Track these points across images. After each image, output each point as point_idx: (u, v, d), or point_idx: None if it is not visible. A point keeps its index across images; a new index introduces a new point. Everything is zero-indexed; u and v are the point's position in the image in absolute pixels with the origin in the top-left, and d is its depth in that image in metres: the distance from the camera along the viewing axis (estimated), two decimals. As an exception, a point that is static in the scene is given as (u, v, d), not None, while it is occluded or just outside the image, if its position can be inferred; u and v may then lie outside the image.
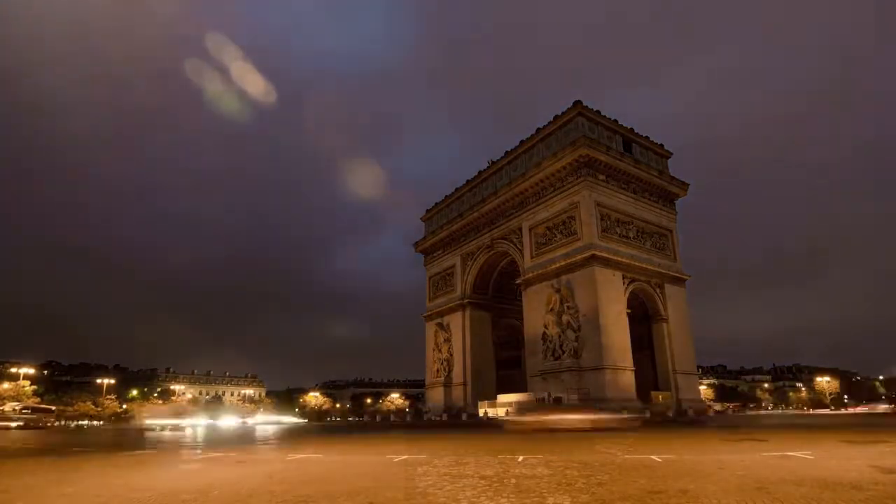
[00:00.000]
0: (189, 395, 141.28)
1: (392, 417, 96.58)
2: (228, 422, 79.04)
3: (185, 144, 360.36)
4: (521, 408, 54.95)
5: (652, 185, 67.79)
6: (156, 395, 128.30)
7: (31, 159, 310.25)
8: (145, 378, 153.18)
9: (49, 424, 61.10)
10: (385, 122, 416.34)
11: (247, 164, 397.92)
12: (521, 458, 12.96)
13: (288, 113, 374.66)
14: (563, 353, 58.85)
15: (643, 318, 64.33)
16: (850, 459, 11.82)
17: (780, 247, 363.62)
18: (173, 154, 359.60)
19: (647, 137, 70.70)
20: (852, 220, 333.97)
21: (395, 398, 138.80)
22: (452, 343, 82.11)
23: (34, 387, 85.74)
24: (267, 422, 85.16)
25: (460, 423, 57.82)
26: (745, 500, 7.06)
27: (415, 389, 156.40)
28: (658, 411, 53.07)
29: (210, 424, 69.67)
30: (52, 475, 12.47)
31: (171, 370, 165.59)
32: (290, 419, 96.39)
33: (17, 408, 58.14)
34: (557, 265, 61.50)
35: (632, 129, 69.00)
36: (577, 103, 64.59)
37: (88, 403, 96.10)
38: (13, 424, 50.69)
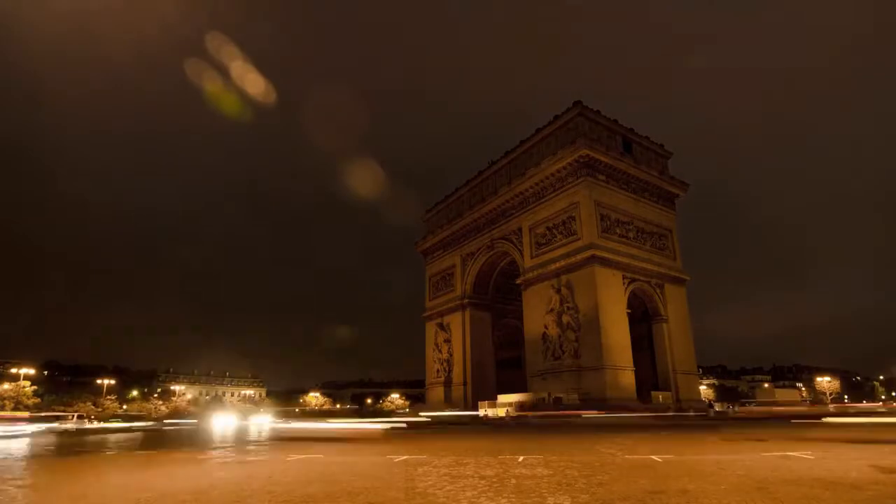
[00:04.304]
0: (189, 396, 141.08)
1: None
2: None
3: (185, 143, 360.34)
4: (522, 407, 55.04)
5: (652, 184, 67.74)
6: (156, 395, 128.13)
7: (31, 158, 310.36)
8: (145, 378, 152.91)
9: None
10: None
11: (248, 163, 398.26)
12: (521, 458, 12.97)
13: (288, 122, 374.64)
14: (564, 353, 58.81)
15: (643, 318, 64.28)
16: (850, 459, 11.82)
17: (779, 247, 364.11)
18: (174, 153, 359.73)
19: (646, 137, 70.64)
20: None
21: (396, 398, 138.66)
22: (452, 343, 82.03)
23: (34, 387, 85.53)
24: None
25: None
26: (745, 500, 7.07)
27: (415, 389, 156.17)
28: (658, 411, 53.05)
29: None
30: (56, 475, 12.49)
31: (172, 370, 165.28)
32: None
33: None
34: (557, 265, 61.44)
35: (632, 129, 68.96)
36: (577, 103, 64.54)
37: (88, 404, 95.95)
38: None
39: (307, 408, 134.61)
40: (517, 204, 71.05)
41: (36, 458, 19.87)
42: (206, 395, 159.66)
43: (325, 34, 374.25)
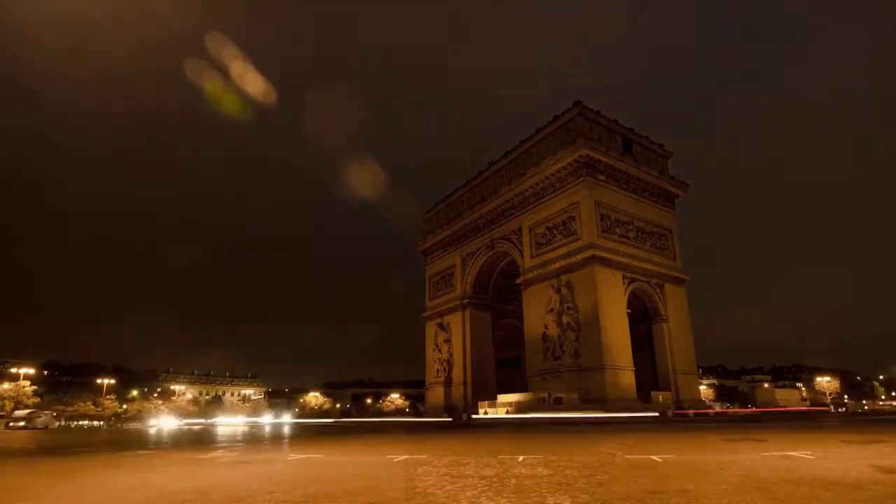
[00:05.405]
0: (189, 396, 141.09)
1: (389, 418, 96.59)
2: None
3: (184, 143, 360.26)
4: (522, 408, 55.02)
5: (652, 184, 67.80)
6: (156, 395, 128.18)
7: (31, 158, 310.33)
8: (145, 378, 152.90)
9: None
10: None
11: (247, 162, 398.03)
12: (521, 458, 12.96)
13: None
14: (564, 353, 58.85)
15: (643, 318, 64.33)
16: (850, 459, 11.81)
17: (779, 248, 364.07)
18: (173, 152, 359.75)
19: (647, 137, 70.71)
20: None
21: (395, 398, 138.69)
22: (452, 343, 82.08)
23: (34, 387, 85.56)
24: None
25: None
26: (745, 500, 7.06)
27: (415, 389, 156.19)
28: (658, 411, 53.02)
29: None
30: (54, 475, 12.47)
31: (172, 370, 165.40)
32: None
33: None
34: (557, 265, 61.47)
35: (632, 129, 69.02)
36: (577, 103, 64.57)
37: (88, 404, 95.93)
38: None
39: (307, 408, 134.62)
40: (517, 204, 71.10)
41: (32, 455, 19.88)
42: (206, 395, 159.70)
43: (326, 34, 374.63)
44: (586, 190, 60.94)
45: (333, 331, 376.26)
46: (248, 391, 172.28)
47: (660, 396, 58.71)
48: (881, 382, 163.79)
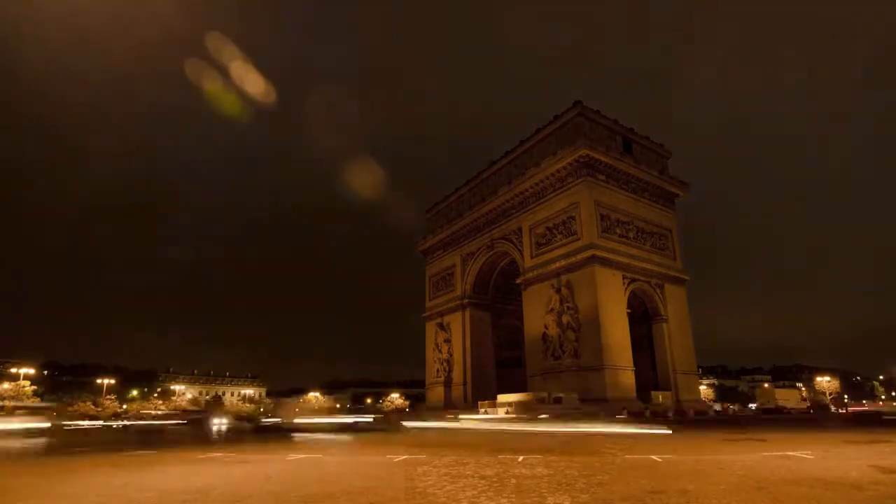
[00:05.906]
0: (189, 396, 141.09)
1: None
2: None
3: (185, 143, 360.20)
4: (521, 408, 54.93)
5: (652, 184, 67.70)
6: (156, 395, 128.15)
7: (31, 158, 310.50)
8: (145, 378, 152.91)
9: None
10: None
11: (247, 163, 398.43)
12: (521, 458, 12.96)
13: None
14: (564, 352, 58.79)
15: (643, 318, 64.25)
16: (850, 459, 11.81)
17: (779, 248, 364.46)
18: (173, 152, 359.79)
19: (647, 137, 70.66)
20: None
21: (395, 398, 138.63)
22: (452, 343, 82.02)
23: (34, 387, 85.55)
24: None
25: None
26: (745, 499, 7.06)
27: (415, 389, 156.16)
28: (658, 411, 53.01)
29: None
30: (55, 475, 12.48)
31: (172, 370, 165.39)
32: None
33: None
34: (557, 265, 61.41)
35: (632, 129, 68.96)
36: (577, 103, 64.51)
37: (88, 403, 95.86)
38: None
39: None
40: (517, 204, 71.06)
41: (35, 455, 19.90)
42: (206, 394, 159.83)
43: (326, 33, 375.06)
44: (586, 190, 60.88)
45: (334, 331, 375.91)
46: (249, 391, 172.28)
47: (660, 396, 58.64)
48: (881, 382, 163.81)
